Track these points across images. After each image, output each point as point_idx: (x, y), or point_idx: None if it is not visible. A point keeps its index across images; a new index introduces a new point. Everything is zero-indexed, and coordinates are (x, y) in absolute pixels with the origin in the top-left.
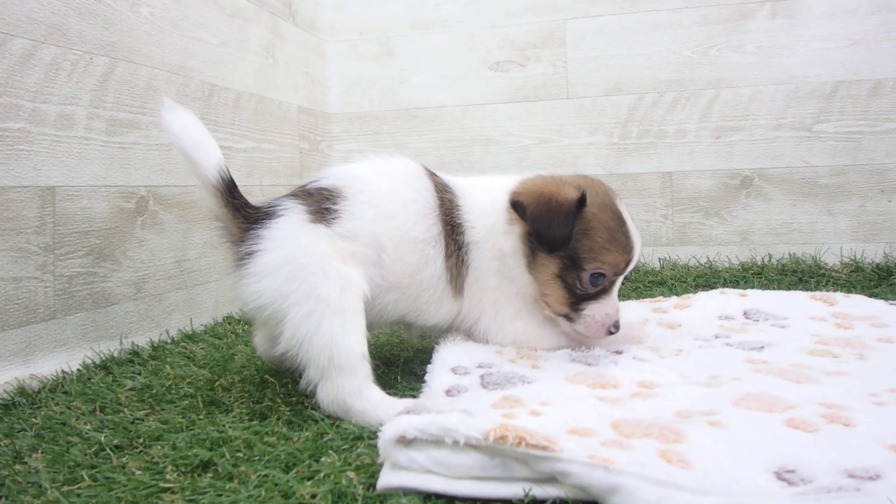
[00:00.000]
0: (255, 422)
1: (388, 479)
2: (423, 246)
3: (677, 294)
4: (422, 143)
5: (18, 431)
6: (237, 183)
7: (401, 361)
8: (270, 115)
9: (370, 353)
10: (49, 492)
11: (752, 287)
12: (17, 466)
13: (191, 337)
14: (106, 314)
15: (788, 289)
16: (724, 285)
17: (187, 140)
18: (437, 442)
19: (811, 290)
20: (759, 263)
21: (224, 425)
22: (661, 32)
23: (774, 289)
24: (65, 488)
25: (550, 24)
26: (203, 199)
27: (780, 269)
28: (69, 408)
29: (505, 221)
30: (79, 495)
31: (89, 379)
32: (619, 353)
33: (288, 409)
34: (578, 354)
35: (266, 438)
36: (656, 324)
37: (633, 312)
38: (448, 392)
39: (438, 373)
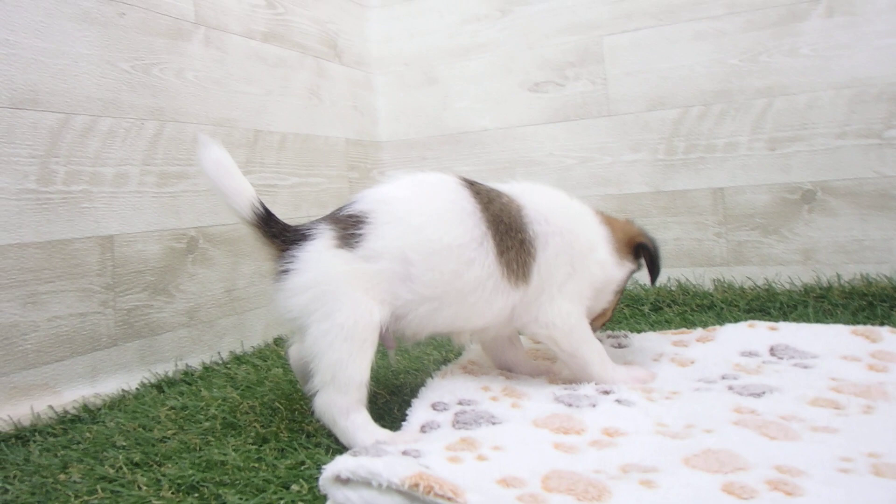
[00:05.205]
0: (255, 446)
1: None
2: (460, 251)
3: (730, 319)
4: (466, 167)
5: (75, 444)
6: (284, 217)
7: (406, 391)
8: (317, 151)
9: (383, 379)
10: (71, 501)
11: (809, 313)
12: (62, 476)
13: (239, 358)
14: (162, 340)
15: (854, 314)
16: (781, 309)
17: (220, 182)
18: (368, 483)
19: (885, 315)
20: (823, 285)
21: (229, 448)
22: (704, 42)
23: (838, 314)
24: (83, 499)
25: (587, 42)
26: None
27: (849, 291)
28: (117, 424)
29: (616, 253)
30: None
31: (143, 397)
32: (607, 393)
33: (287, 434)
34: (564, 394)
35: (252, 464)
36: (669, 360)
37: (649, 347)
38: (423, 428)
39: (418, 408)
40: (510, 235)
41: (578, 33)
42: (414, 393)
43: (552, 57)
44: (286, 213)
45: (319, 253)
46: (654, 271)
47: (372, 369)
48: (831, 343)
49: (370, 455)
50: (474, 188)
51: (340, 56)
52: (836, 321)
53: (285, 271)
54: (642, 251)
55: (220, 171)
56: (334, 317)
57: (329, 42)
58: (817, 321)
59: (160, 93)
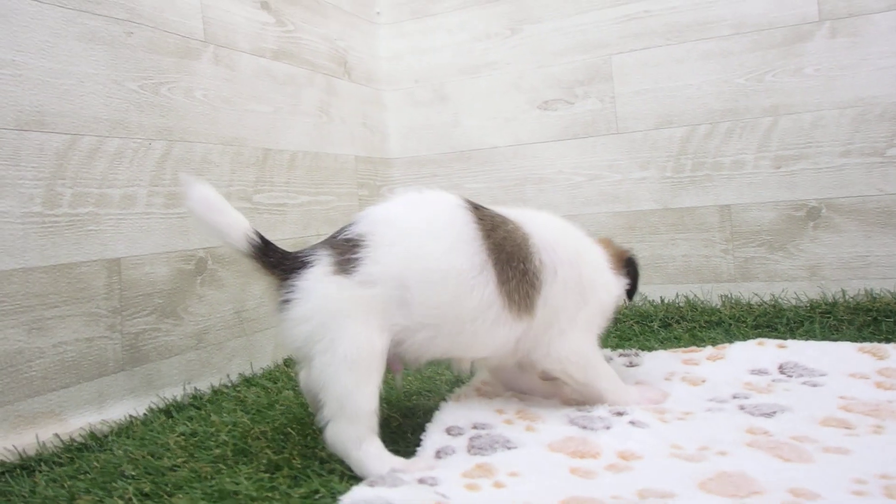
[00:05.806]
0: (267, 474)
1: None
2: (459, 277)
3: (738, 335)
4: (476, 184)
5: (82, 474)
6: (293, 236)
7: (419, 413)
8: (326, 169)
9: (395, 401)
10: None
11: (815, 329)
12: None
13: (249, 380)
14: (170, 364)
15: (859, 330)
16: (788, 325)
17: (210, 219)
18: None
19: (889, 330)
20: (829, 301)
21: (241, 477)
22: (711, 61)
23: (844, 329)
24: None
25: (596, 61)
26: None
27: (854, 307)
28: (125, 452)
29: (613, 269)
30: None
31: (152, 423)
32: (620, 414)
33: (300, 461)
34: (578, 416)
35: (265, 493)
36: (680, 379)
37: (660, 366)
38: (438, 454)
39: (432, 433)
40: (511, 265)
41: (587, 52)
42: (427, 415)
43: (562, 75)
44: (296, 233)
45: (318, 281)
46: (635, 287)
47: (383, 392)
48: (839, 361)
49: (387, 485)
50: (478, 213)
51: (350, 73)
52: (842, 336)
53: (286, 301)
54: (630, 266)
55: (209, 208)
56: (336, 348)
57: (339, 59)
58: (823, 337)
59: (169, 112)
